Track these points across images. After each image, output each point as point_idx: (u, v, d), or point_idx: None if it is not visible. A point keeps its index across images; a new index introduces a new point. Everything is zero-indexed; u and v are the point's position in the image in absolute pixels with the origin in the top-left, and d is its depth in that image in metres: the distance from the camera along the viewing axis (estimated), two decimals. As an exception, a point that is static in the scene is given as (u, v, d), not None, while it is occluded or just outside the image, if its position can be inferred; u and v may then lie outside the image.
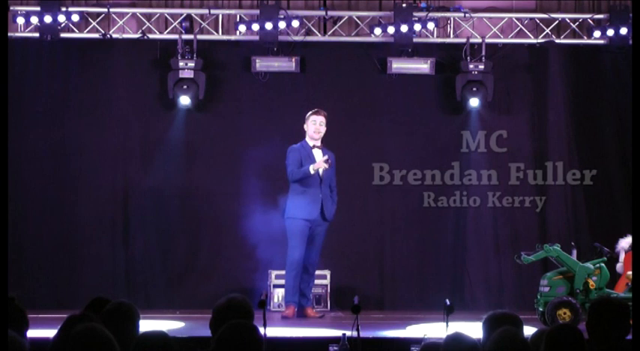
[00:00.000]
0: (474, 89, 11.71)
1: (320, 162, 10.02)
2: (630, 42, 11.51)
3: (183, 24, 11.92)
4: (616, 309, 4.88)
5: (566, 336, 4.63)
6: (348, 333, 6.50)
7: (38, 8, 11.64)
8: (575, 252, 9.52)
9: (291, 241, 10.14)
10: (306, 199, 10.09)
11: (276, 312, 10.71)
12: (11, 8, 11.60)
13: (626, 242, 10.31)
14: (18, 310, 4.89)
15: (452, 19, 12.05)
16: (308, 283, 10.28)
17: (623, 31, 11.65)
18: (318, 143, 10.25)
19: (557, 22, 12.03)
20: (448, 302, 6.31)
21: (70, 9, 11.74)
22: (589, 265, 9.38)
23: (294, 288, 10.16)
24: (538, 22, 12.09)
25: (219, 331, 4.34)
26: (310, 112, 10.23)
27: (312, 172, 10.00)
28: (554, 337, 4.63)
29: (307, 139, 10.26)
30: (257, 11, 11.80)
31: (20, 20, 11.68)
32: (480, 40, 11.81)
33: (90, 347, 4.17)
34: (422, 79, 11.87)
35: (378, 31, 11.86)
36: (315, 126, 10.20)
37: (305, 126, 10.25)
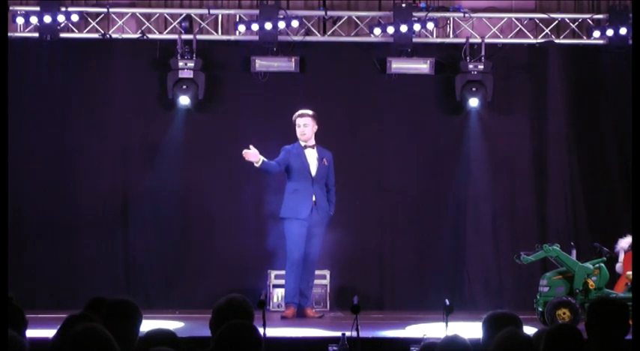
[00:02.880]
0: (474, 89, 11.70)
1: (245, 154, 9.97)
2: (629, 42, 11.51)
3: (183, 24, 11.92)
4: (615, 309, 4.88)
5: (565, 336, 4.64)
6: (348, 333, 6.51)
7: (38, 8, 11.64)
8: (574, 252, 9.53)
9: (288, 241, 10.16)
10: (297, 199, 10.12)
11: (275, 312, 10.71)
12: (11, 8, 11.59)
13: (625, 242, 10.31)
14: (16, 310, 4.90)
15: (451, 19, 12.05)
16: (308, 282, 10.28)
17: (623, 31, 11.65)
18: (310, 143, 10.29)
19: (556, 22, 12.02)
20: (448, 302, 6.30)
21: (70, 9, 11.74)
22: (588, 265, 9.38)
23: (294, 289, 10.16)
24: (537, 22, 12.09)
25: (219, 331, 4.35)
26: (295, 115, 10.31)
27: (255, 165, 9.96)
28: (553, 337, 4.63)
29: (299, 140, 10.32)
30: (256, 11, 11.80)
31: (20, 20, 11.68)
32: (479, 40, 11.81)
33: (89, 347, 4.17)
34: (421, 79, 11.86)
35: (377, 31, 11.86)
36: (299, 129, 10.28)
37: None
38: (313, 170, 10.21)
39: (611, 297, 8.62)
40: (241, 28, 11.79)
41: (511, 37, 12.08)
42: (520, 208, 11.92)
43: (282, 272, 10.60)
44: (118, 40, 11.87)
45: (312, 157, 10.26)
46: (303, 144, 10.27)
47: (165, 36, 11.92)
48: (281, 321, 9.84)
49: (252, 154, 9.96)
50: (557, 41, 11.96)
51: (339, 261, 11.36)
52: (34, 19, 11.65)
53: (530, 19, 12.08)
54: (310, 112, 10.31)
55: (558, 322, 8.85)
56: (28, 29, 11.79)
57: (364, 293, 10.56)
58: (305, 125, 10.25)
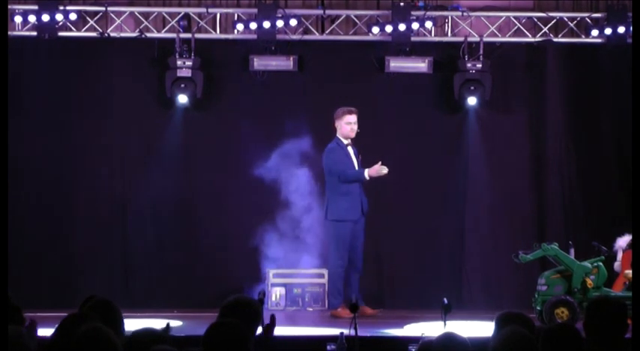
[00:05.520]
0: (472, 88, 11.70)
1: (376, 167, 9.97)
2: (628, 41, 11.52)
3: (181, 23, 11.92)
4: (613, 308, 4.88)
5: (563, 335, 4.64)
6: (346, 331, 6.51)
7: (36, 7, 11.63)
8: (572, 251, 9.53)
9: (339, 244, 10.11)
10: (350, 200, 10.12)
11: (274, 311, 10.69)
12: (9, 7, 11.57)
13: (623, 241, 10.31)
14: (15, 309, 4.90)
15: (449, 17, 12.04)
16: (357, 281, 10.29)
17: (621, 29, 11.65)
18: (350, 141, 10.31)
19: (554, 20, 12.03)
20: (446, 301, 6.31)
21: (68, 8, 11.74)
22: (587, 263, 9.38)
23: (355, 288, 10.15)
24: (536, 20, 12.09)
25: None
26: (344, 111, 10.28)
27: (366, 177, 9.97)
28: (551, 336, 4.63)
29: (340, 137, 10.27)
30: (255, 10, 11.80)
31: (18, 19, 11.67)
32: (477, 39, 11.81)
33: (94, 348, 4.16)
34: (420, 78, 11.86)
35: (375, 29, 11.85)
36: (350, 125, 10.26)
37: (337, 125, 10.29)
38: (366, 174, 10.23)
39: (609, 296, 8.62)
40: (239, 26, 11.79)
41: (509, 36, 12.08)
42: (518, 206, 11.93)
43: (281, 271, 10.61)
44: (116, 39, 11.86)
45: (352, 155, 10.30)
46: (346, 142, 10.27)
47: (163, 35, 11.91)
48: (281, 321, 9.81)
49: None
50: (555, 40, 11.96)
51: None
52: (32, 18, 11.65)
53: (529, 17, 12.08)
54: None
55: (557, 321, 8.86)
56: (26, 28, 11.78)
57: (363, 292, 10.55)
58: (355, 123, 10.26)
